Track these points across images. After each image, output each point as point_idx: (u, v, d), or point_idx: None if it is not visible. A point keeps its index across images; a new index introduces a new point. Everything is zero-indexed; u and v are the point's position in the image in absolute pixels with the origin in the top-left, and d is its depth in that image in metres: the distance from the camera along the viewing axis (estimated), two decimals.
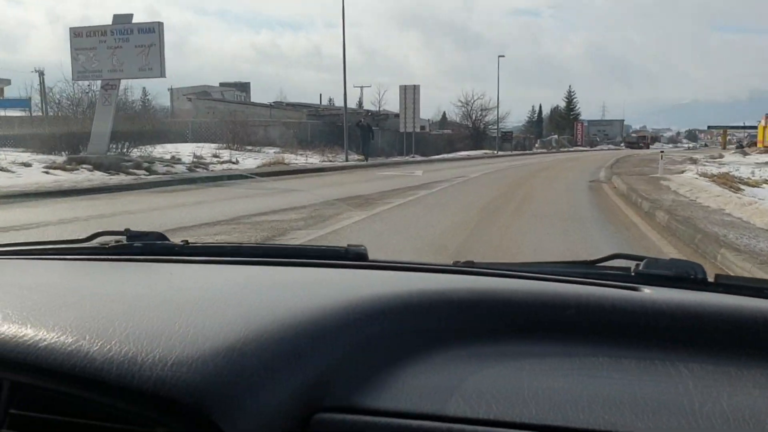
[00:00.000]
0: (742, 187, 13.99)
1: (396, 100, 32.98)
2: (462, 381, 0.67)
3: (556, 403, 0.62)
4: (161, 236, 1.29)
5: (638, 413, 0.61)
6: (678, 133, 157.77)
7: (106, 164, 15.37)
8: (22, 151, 17.09)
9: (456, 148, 40.75)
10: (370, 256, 1.14)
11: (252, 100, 45.39)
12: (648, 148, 69.34)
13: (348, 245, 1.15)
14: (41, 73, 35.50)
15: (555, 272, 1.02)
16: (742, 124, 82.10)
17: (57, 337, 0.68)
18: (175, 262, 1.14)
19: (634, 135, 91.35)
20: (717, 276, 0.96)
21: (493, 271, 1.03)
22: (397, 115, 34.33)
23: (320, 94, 49.87)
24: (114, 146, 17.34)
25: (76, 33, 16.08)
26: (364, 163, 23.32)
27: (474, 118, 50.92)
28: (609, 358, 0.74)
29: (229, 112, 30.21)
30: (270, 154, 23.38)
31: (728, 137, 68.30)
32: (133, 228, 1.29)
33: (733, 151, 42.54)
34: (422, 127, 41.29)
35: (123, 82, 16.55)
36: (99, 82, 16.36)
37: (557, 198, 11.31)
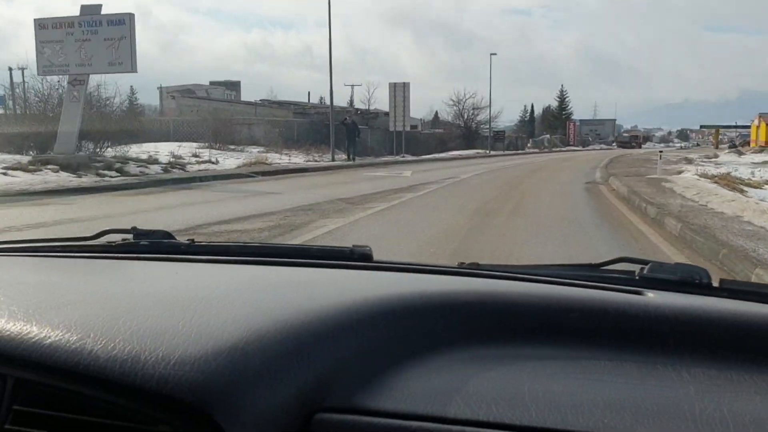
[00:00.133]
0: (745, 188, 13.49)
1: (386, 99, 32.04)
2: (464, 383, 0.68)
3: (557, 406, 0.62)
4: (167, 234, 1.28)
5: (639, 417, 0.61)
6: (669, 133, 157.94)
7: (74, 165, 14.45)
8: None
9: (448, 148, 40.13)
10: (375, 257, 1.13)
11: (242, 99, 44.44)
12: (640, 147, 69.15)
13: (353, 245, 1.15)
14: (11, 70, 34.42)
15: (560, 275, 1.01)
16: (734, 124, 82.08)
17: (61, 335, 0.68)
18: (181, 261, 1.13)
19: (626, 134, 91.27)
20: (722, 281, 0.94)
21: (498, 273, 1.03)
22: (387, 114, 33.41)
23: (308, 92, 48.85)
24: (87, 146, 16.45)
25: (41, 25, 15.08)
26: (351, 163, 22.42)
27: (466, 117, 50.29)
28: (611, 361, 0.74)
29: (212, 111, 29.26)
30: (253, 153, 22.57)
31: (720, 137, 68.01)
32: None
33: (727, 151, 42.23)
34: (414, 127, 40.45)
35: (100, 78, 15.68)
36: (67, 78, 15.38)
37: (553, 202, 10.45)
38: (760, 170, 19.53)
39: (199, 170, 16.92)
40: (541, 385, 0.67)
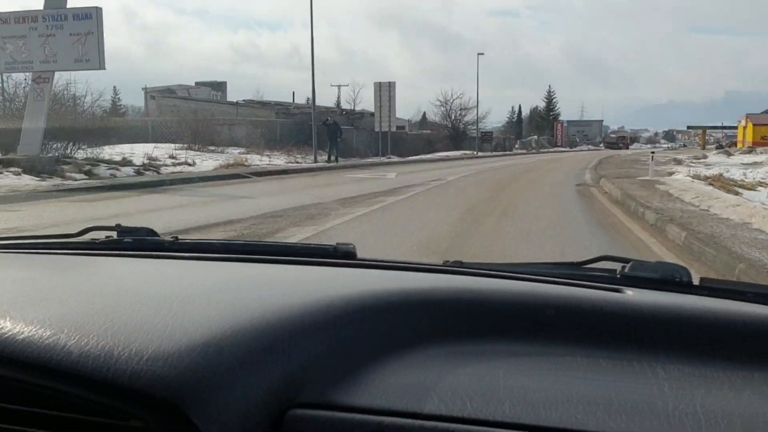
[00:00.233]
0: (740, 190, 13.13)
1: (373, 99, 31.31)
2: (439, 379, 0.68)
3: (530, 402, 0.63)
4: (151, 232, 1.27)
5: (611, 413, 0.61)
6: (656, 134, 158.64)
7: (38, 167, 13.66)
8: None
9: (435, 149, 39.61)
10: (359, 255, 1.14)
11: (228, 99, 43.54)
12: (627, 148, 69.19)
13: (337, 243, 1.15)
14: None
15: (541, 273, 1.02)
16: (720, 125, 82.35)
17: (35, 331, 0.68)
18: (164, 258, 1.13)
19: (613, 135, 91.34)
20: (702, 279, 0.95)
21: (480, 271, 1.03)
22: (373, 114, 32.70)
23: (293, 92, 47.89)
24: (56, 147, 15.64)
25: (2, 19, 14.24)
26: (333, 164, 21.69)
27: (453, 117, 49.74)
28: (587, 358, 0.75)
29: (192, 111, 28.41)
30: (233, 154, 21.83)
31: (706, 137, 68.09)
32: None
33: (715, 152, 42.02)
34: (401, 127, 39.79)
35: (70, 75, 14.91)
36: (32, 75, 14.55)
37: (544, 206, 9.81)
38: (751, 171, 19.30)
39: (173, 172, 16.17)
40: (516, 381, 0.68)
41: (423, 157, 32.32)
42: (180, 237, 1.26)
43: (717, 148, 55.80)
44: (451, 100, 50.20)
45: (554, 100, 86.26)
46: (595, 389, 0.66)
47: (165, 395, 0.59)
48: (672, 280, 0.94)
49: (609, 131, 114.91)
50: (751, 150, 37.40)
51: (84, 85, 17.43)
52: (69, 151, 16.17)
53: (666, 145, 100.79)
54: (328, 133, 22.66)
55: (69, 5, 14.19)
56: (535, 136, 69.45)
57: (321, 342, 0.71)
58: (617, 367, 0.72)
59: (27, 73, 15.08)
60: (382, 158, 28.11)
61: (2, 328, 0.69)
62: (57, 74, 15.25)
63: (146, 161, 17.38)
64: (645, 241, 6.45)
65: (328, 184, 13.94)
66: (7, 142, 15.19)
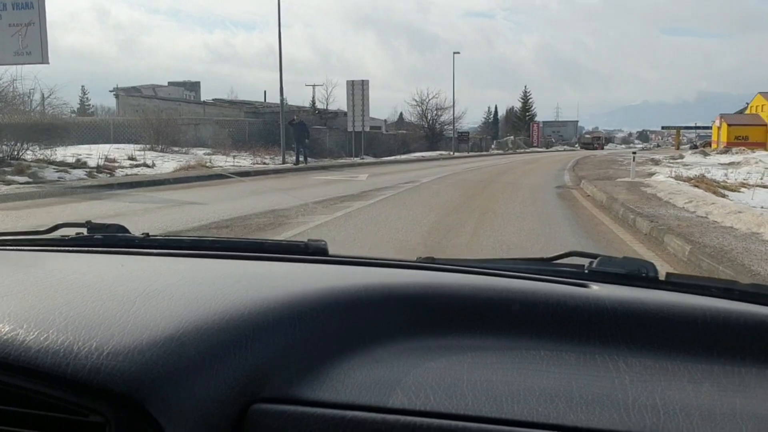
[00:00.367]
0: (725, 192, 12.66)
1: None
2: (404, 374, 0.68)
3: (493, 395, 0.64)
4: (122, 228, 1.27)
5: (572, 406, 0.62)
6: (630, 134, 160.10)
7: None
8: None
9: (411, 149, 38.79)
10: (331, 251, 1.12)
11: (203, 99, 42.04)
12: (602, 148, 69.38)
13: (309, 240, 1.14)
14: None
15: (511, 269, 1.01)
16: (693, 125, 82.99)
17: None
18: (134, 254, 1.12)
19: (588, 136, 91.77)
20: (668, 274, 0.95)
21: (450, 267, 1.02)
22: (347, 113, 31.66)
23: (264, 91, 46.31)
24: (2, 148, 14.46)
25: None
26: (302, 165, 20.63)
27: (429, 117, 48.97)
28: (551, 352, 0.75)
29: (156, 110, 27.12)
30: (198, 155, 20.70)
31: (680, 137, 68.49)
32: None
33: (691, 152, 41.97)
34: (377, 128, 38.79)
35: (16, 71, 13.71)
36: None
37: (525, 213, 8.96)
38: (733, 172, 18.96)
39: (128, 175, 15.11)
40: (480, 375, 0.68)
41: (398, 157, 31.44)
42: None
43: (691, 148, 56.03)
44: (427, 100, 49.51)
45: (530, 101, 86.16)
46: (557, 382, 0.67)
47: (124, 390, 0.59)
48: (638, 275, 0.95)
49: (584, 132, 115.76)
50: (727, 150, 37.34)
51: (32, 81, 16.17)
52: (16, 152, 15.01)
53: (641, 146, 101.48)
54: (294, 134, 21.52)
55: None
56: (512, 137, 69.14)
57: (285, 337, 0.70)
58: (580, 361, 0.73)
59: None
60: (355, 159, 27.14)
61: None
62: (2, 69, 14.14)
63: (102, 163, 16.27)
64: (643, 255, 5.61)
65: (293, 187, 12.96)
66: None
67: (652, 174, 17.41)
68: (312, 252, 1.10)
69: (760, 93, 51.87)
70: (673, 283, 0.93)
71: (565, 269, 1.01)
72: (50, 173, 14.27)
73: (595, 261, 0.97)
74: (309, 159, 22.27)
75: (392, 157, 30.72)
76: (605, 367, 0.71)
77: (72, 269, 1.01)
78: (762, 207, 8.48)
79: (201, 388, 0.61)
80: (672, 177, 15.62)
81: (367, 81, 29.50)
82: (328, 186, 12.96)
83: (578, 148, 74.02)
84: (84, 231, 1.24)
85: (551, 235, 6.73)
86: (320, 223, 7.30)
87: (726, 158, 29.45)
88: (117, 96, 35.00)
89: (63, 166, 15.34)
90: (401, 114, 62.32)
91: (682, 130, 73.35)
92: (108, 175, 15.10)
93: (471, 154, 43.92)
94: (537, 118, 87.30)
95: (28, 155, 15.23)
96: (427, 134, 46.53)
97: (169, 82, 49.65)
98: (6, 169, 13.59)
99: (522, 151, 58.61)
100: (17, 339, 0.64)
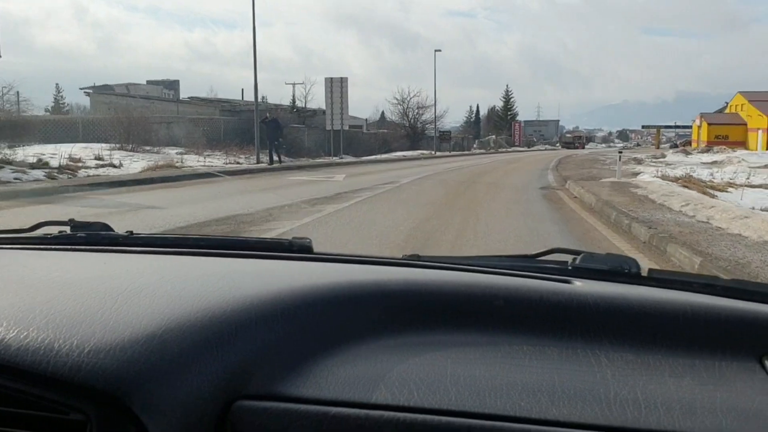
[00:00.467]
0: (713, 192, 12.24)
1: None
2: (388, 369, 0.68)
3: (476, 390, 0.64)
4: (106, 226, 1.27)
5: (554, 400, 0.63)
6: (610, 133, 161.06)
7: None
8: None
9: (392, 149, 38.13)
10: (316, 249, 1.11)
11: (181, 98, 40.90)
12: (583, 148, 69.44)
13: (293, 237, 1.14)
14: None
15: (495, 265, 1.02)
16: (673, 124, 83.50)
17: None
18: (118, 252, 1.11)
19: (569, 135, 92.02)
20: (650, 270, 0.96)
21: (435, 264, 1.02)
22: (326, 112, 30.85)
23: (242, 89, 45.06)
24: None
25: None
26: (277, 165, 19.82)
27: (410, 116, 48.34)
28: (533, 347, 0.75)
29: (129, 108, 26.10)
30: (170, 155, 19.82)
31: (660, 137, 68.73)
32: None
33: (672, 151, 41.89)
34: (357, 126, 37.99)
35: None
36: None
37: (510, 217, 8.33)
38: (718, 171, 18.69)
39: (90, 176, 14.22)
40: (464, 370, 0.68)
41: (378, 157, 30.73)
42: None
43: (672, 147, 56.13)
44: (409, 98, 48.87)
45: (512, 100, 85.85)
46: (539, 377, 0.67)
47: (106, 387, 0.59)
48: (621, 271, 0.95)
49: (565, 131, 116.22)
50: (708, 149, 37.26)
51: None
52: None
53: (621, 145, 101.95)
54: (267, 132, 20.64)
55: None
56: (494, 136, 68.78)
57: (268, 334, 0.70)
58: (563, 356, 0.73)
59: None
60: (334, 158, 26.39)
61: None
62: None
63: (65, 163, 15.39)
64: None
65: (264, 188, 12.20)
66: None
67: (637, 174, 17.01)
68: (297, 250, 1.10)
69: (740, 92, 52.05)
70: (655, 279, 0.94)
71: (548, 266, 1.01)
72: (6, 174, 13.40)
73: (579, 257, 0.97)
74: (285, 158, 21.46)
75: (372, 157, 30.00)
76: (587, 362, 0.71)
77: (54, 267, 0.98)
78: (754, 208, 7.98)
79: (184, 385, 0.60)
80: (658, 177, 15.21)
81: (346, 78, 28.72)
82: (302, 187, 12.23)
83: (559, 147, 74.01)
84: (67, 229, 1.23)
85: (540, 244, 6.09)
86: (286, 230, 6.60)
87: (708, 157, 29.31)
88: (87, 94, 33.81)
89: (22, 166, 14.47)
90: (383, 113, 61.62)
91: (663, 130, 73.63)
92: (69, 176, 14.25)
93: (453, 153, 43.36)
94: (518, 118, 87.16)
95: None
96: (408, 133, 45.91)
97: (147, 81, 48.51)
98: None
99: (504, 150, 58.24)
100: None
